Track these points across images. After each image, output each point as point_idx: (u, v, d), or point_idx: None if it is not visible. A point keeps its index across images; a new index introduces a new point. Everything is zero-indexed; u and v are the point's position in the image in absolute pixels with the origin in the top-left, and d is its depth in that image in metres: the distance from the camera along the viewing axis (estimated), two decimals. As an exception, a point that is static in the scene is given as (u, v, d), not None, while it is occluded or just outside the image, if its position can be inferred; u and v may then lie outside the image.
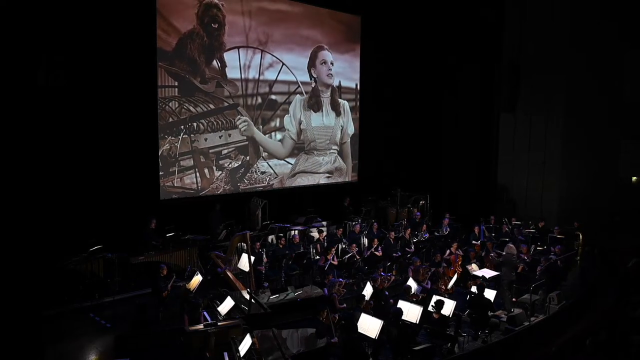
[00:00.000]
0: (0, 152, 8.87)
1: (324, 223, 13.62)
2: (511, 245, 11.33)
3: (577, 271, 12.08)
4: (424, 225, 13.69)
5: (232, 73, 13.40)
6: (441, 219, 14.23)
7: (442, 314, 8.46)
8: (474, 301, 9.29)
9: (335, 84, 15.88)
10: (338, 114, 16.03)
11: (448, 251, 11.88)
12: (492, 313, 9.46)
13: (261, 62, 13.95)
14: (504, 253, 11.19)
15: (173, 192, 12.49)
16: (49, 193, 10.04)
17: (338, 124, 16.06)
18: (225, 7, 12.99)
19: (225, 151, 13.43)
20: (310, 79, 15.23)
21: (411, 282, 9.74)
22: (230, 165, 13.54)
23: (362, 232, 13.01)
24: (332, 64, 15.67)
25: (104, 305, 9.84)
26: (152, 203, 11.79)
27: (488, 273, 10.65)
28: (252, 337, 7.01)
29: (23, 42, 9.54)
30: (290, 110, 14.81)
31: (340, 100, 16.04)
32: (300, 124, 15.01)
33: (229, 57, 13.27)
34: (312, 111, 15.34)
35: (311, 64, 15.20)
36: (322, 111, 15.61)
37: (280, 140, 14.66)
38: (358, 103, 16.57)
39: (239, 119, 13.59)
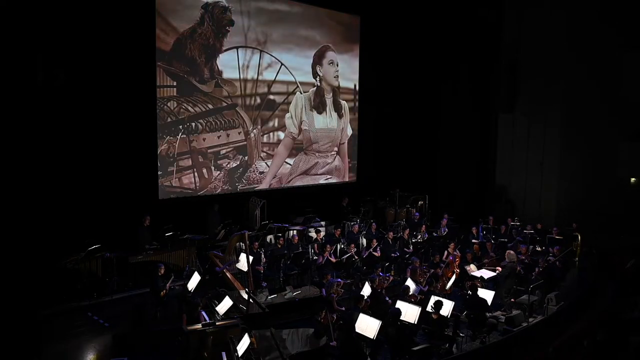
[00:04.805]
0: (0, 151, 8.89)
1: (323, 223, 13.61)
2: (511, 252, 11.22)
3: (575, 272, 12.08)
4: (423, 226, 13.69)
5: (231, 73, 13.40)
6: (440, 219, 14.23)
7: (440, 315, 8.47)
8: (471, 302, 9.30)
9: (337, 84, 15.90)
10: (340, 115, 16.05)
11: (446, 252, 11.88)
12: (490, 314, 9.48)
13: (260, 62, 13.95)
14: (506, 261, 11.09)
15: (171, 192, 12.48)
16: (47, 192, 10.08)
17: (339, 126, 16.08)
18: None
19: (224, 151, 13.42)
20: (315, 78, 15.24)
21: (410, 283, 9.75)
22: (228, 165, 13.53)
23: (361, 232, 13.00)
24: (338, 65, 15.72)
25: (102, 304, 9.83)
26: (150, 203, 11.78)
27: (486, 274, 10.66)
28: (250, 337, 7.02)
29: (22, 41, 9.58)
30: (292, 108, 14.82)
31: (341, 101, 16.06)
32: (301, 123, 15.02)
33: (228, 57, 13.27)
34: (315, 112, 15.36)
35: (317, 62, 15.23)
36: (326, 113, 15.63)
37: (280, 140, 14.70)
38: (357, 103, 16.58)
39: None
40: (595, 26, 15.38)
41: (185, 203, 12.56)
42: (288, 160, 14.89)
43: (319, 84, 15.36)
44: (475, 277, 10.50)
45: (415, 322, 8.41)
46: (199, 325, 7.66)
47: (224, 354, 6.74)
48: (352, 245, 11.65)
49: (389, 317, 8.13)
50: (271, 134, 14.53)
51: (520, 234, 13.33)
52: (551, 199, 16.32)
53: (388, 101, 16.94)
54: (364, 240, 12.54)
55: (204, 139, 12.97)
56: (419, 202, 15.79)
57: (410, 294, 9.39)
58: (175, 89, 12.40)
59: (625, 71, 15.64)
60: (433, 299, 8.63)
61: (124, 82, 11.14)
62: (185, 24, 12.35)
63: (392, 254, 11.81)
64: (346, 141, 16.34)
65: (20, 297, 8.71)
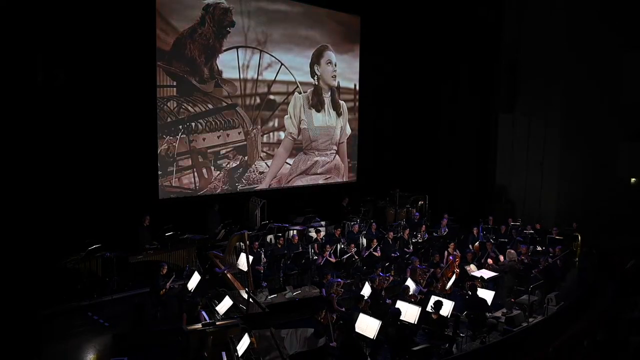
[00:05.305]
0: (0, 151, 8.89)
1: (323, 223, 13.61)
2: (511, 251, 11.35)
3: (575, 272, 12.09)
4: (423, 226, 13.69)
5: (231, 73, 13.40)
6: (440, 219, 14.23)
7: (440, 315, 8.47)
8: (471, 302, 9.30)
9: (335, 84, 15.90)
10: (339, 114, 16.04)
11: (446, 252, 11.88)
12: (490, 314, 9.47)
13: (260, 62, 13.95)
14: (506, 260, 11.17)
15: (171, 192, 12.48)
16: (48, 192, 10.08)
17: (338, 125, 16.07)
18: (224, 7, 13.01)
19: (224, 151, 13.42)
20: (313, 77, 15.23)
21: (410, 283, 9.75)
22: (228, 165, 13.53)
23: (361, 232, 13.00)
24: (335, 65, 15.71)
25: (103, 304, 9.83)
26: (150, 203, 11.78)
27: (487, 274, 10.66)
28: (250, 336, 7.01)
29: (22, 41, 9.58)
30: (290, 109, 14.80)
31: (339, 100, 16.05)
32: (300, 123, 15.01)
33: (228, 57, 13.27)
34: (314, 111, 15.35)
35: (315, 61, 15.20)
36: (324, 111, 15.62)
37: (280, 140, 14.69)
38: (357, 103, 16.58)
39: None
40: (595, 26, 15.37)
41: (185, 203, 12.56)
42: (288, 160, 14.89)
43: (316, 83, 15.36)
44: (475, 277, 10.50)
45: (415, 322, 8.42)
46: (199, 325, 7.66)
47: (224, 354, 6.75)
48: (352, 245, 11.65)
49: (389, 317, 8.13)
50: (271, 134, 14.53)
51: (520, 234, 13.33)
52: (551, 199, 16.31)
53: (388, 101, 16.94)
54: (364, 240, 12.54)
55: (203, 139, 12.97)
56: (419, 202, 15.79)
57: (410, 294, 9.40)
58: (175, 88, 12.40)
59: (625, 71, 15.64)
60: (433, 299, 8.63)
61: (124, 82, 11.14)
62: (185, 24, 12.35)
63: (392, 254, 11.80)
64: (345, 140, 16.34)
65: (20, 297, 8.71)
